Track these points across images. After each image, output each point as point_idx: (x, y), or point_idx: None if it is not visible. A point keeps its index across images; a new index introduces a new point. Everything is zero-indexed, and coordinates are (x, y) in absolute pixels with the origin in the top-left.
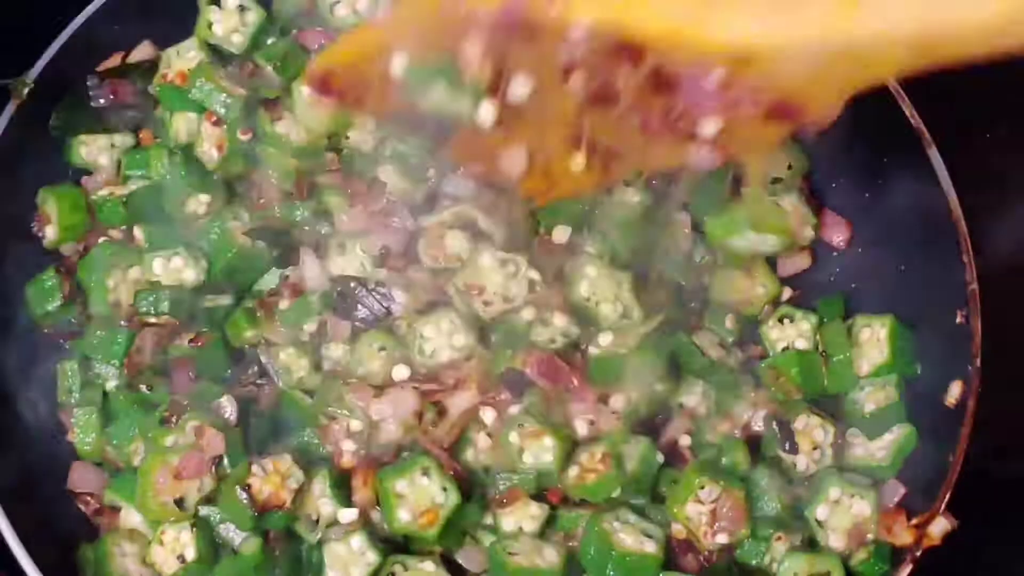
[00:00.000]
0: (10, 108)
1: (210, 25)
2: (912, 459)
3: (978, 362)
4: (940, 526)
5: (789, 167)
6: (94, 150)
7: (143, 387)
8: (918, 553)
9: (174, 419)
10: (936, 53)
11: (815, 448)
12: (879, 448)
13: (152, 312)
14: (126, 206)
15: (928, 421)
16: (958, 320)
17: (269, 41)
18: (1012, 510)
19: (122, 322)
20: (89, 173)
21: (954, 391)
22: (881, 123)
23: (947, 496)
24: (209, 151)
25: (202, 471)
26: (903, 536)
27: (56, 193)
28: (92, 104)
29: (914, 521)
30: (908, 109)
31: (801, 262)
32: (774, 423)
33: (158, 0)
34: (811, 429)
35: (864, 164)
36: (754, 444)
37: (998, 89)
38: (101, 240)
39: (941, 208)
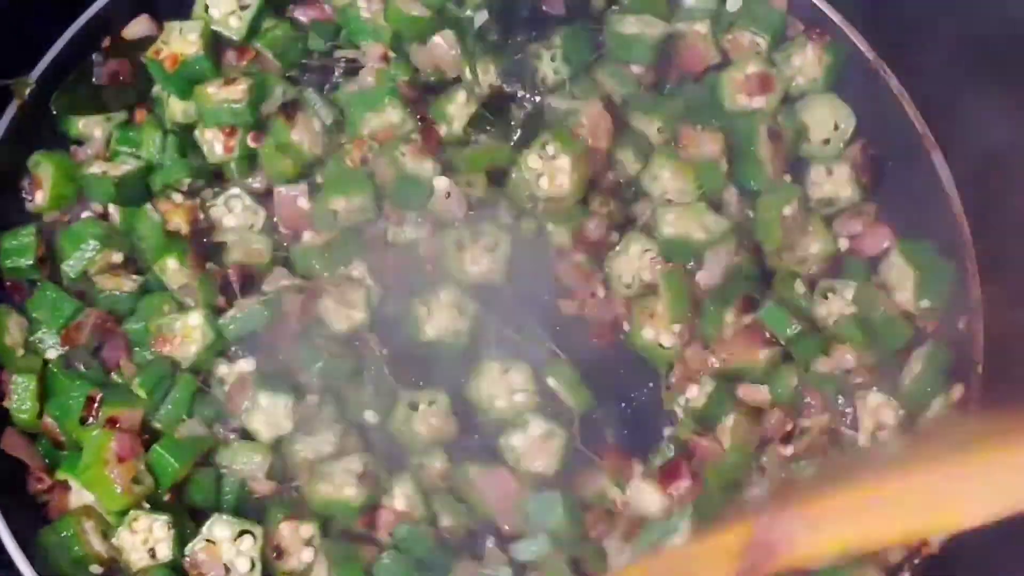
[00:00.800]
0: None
1: (207, 8)
2: None
3: (980, 368)
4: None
5: (836, 127)
6: (90, 123)
7: (80, 365)
8: (916, 562)
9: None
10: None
11: (879, 428)
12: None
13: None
14: (117, 187)
15: None
16: (960, 326)
17: (265, 25)
18: None
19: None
20: (81, 144)
21: (956, 394)
22: (884, 127)
23: None
24: (213, 146)
25: (137, 450)
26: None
27: (52, 159)
28: (93, 81)
29: None
30: (912, 111)
31: (855, 226)
32: (839, 396)
33: None
34: (879, 408)
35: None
36: None
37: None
38: (85, 215)
39: (945, 212)
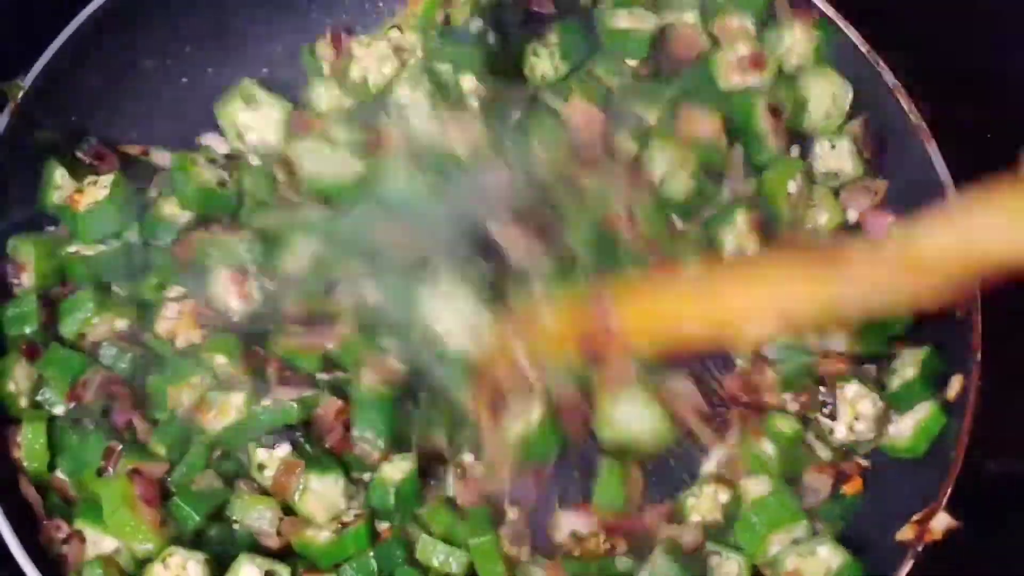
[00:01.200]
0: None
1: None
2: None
3: (979, 356)
4: (942, 521)
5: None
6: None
7: (88, 424)
8: (919, 549)
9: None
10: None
11: (857, 419)
12: (907, 428)
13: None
14: (88, 266)
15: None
16: (958, 314)
17: None
18: (1012, 509)
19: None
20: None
21: (954, 385)
22: (879, 117)
23: (948, 491)
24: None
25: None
26: (904, 532)
27: (31, 241)
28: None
29: (915, 517)
30: (907, 103)
31: (862, 200)
32: (820, 385)
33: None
34: (859, 399)
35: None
36: None
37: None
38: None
39: (940, 200)
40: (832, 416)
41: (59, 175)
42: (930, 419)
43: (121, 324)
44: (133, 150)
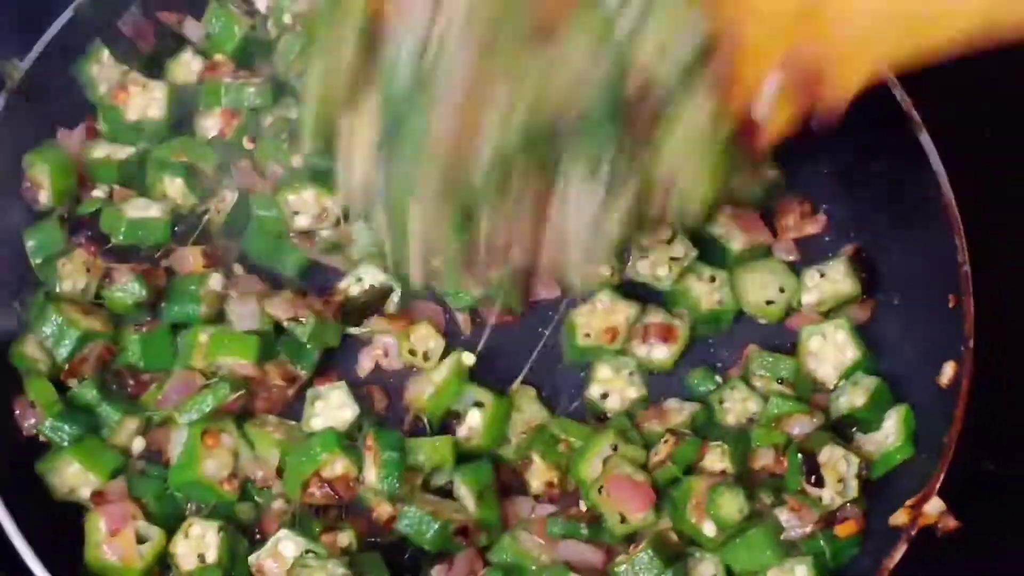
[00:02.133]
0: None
1: None
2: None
3: (971, 343)
4: (935, 506)
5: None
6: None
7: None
8: (913, 533)
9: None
10: (996, 32)
11: (840, 480)
12: (886, 436)
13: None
14: (121, 170)
15: (922, 404)
16: (951, 304)
17: None
18: (1010, 505)
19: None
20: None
21: (947, 371)
22: (872, 107)
23: (942, 476)
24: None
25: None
26: (898, 516)
27: (45, 156)
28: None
29: (909, 502)
30: (900, 94)
31: None
32: (799, 455)
33: None
34: (835, 461)
35: (853, 147)
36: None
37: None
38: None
39: (932, 189)
40: (819, 483)
41: (105, 56)
42: (904, 418)
43: None
44: (169, 18)
